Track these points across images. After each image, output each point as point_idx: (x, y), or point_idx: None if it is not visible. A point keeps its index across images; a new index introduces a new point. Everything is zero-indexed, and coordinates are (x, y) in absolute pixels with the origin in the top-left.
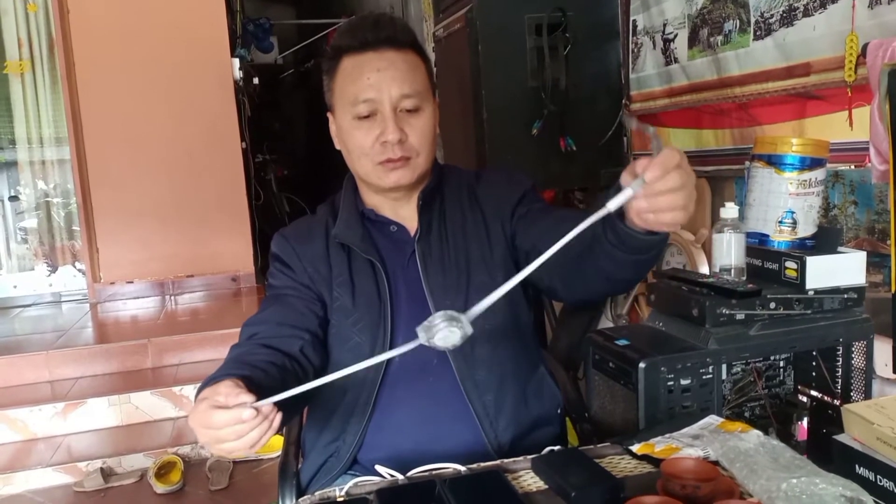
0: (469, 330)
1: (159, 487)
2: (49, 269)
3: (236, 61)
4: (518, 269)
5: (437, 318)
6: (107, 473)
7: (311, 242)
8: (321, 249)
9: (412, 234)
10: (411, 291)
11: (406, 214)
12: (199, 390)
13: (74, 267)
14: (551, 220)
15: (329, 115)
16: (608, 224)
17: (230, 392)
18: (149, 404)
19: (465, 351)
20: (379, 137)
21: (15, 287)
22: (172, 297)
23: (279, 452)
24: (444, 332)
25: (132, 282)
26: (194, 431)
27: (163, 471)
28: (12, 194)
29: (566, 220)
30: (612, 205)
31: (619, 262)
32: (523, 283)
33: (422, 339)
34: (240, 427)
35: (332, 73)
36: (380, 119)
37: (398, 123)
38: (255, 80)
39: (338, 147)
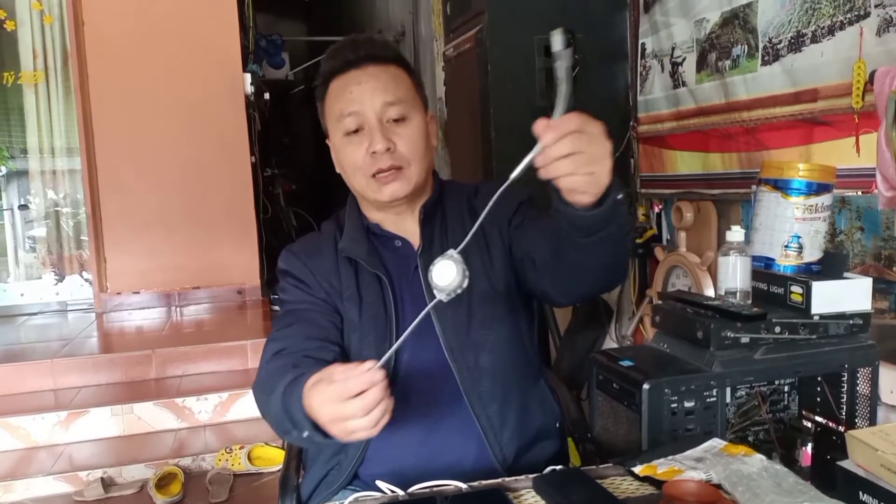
0: (460, 262)
1: (159, 499)
2: (56, 278)
3: (248, 76)
4: (517, 278)
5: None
6: (107, 483)
7: (321, 257)
8: (332, 264)
9: (415, 248)
10: (416, 305)
11: (409, 229)
12: (266, 406)
13: (81, 276)
14: (539, 228)
15: (327, 141)
16: (558, 211)
17: (346, 368)
18: (151, 415)
19: (468, 362)
20: (368, 149)
21: (22, 295)
22: (178, 309)
23: (279, 466)
24: (439, 264)
25: (138, 292)
26: (317, 413)
27: (163, 482)
28: (22, 203)
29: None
30: (514, 173)
31: (583, 247)
32: (522, 291)
33: (435, 282)
34: (369, 400)
35: (322, 98)
36: (367, 131)
37: (384, 133)
38: (266, 96)
39: (338, 171)
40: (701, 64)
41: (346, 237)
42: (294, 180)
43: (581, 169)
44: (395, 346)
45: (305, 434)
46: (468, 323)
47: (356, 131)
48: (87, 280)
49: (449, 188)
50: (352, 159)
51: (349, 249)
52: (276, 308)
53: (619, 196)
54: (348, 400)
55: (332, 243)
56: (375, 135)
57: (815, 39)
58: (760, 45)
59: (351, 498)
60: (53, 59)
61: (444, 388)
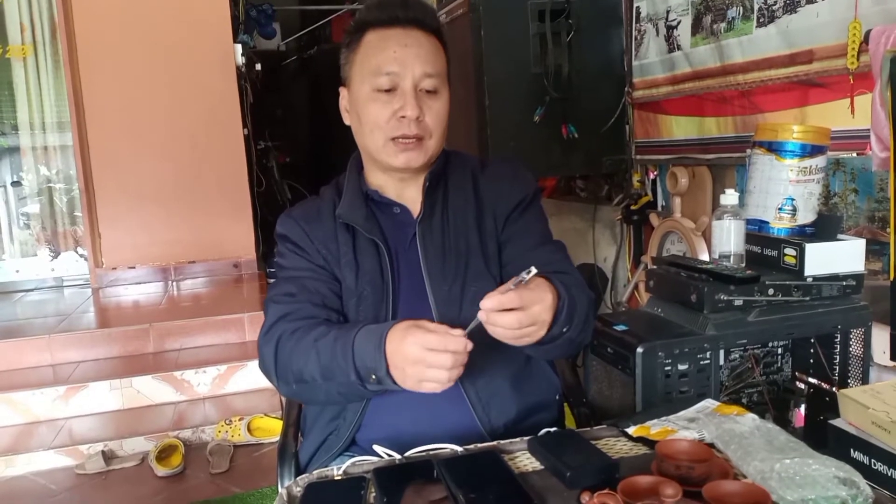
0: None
1: (160, 470)
2: (51, 254)
3: (238, 47)
4: (502, 269)
5: None
6: (108, 456)
7: (320, 223)
8: (330, 230)
9: (415, 216)
10: (411, 273)
11: (410, 196)
12: (293, 354)
13: (76, 252)
14: (522, 250)
15: (342, 89)
16: None
17: (439, 327)
18: (150, 388)
19: None
20: (397, 112)
21: (17, 272)
22: (174, 283)
23: (279, 437)
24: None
25: (134, 267)
26: (404, 351)
27: (164, 454)
28: (15, 180)
29: (527, 259)
30: (465, 331)
31: (536, 351)
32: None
33: None
34: (456, 359)
35: (353, 46)
36: (399, 94)
37: (418, 101)
38: (258, 67)
39: (347, 122)
40: (696, 27)
41: (345, 203)
42: (288, 153)
43: (512, 338)
44: (475, 322)
45: (370, 375)
46: (461, 298)
47: (388, 91)
48: (82, 256)
49: (454, 159)
50: (375, 117)
51: (347, 215)
52: (273, 270)
53: (564, 329)
54: (441, 352)
55: (330, 208)
56: (409, 100)
57: (810, 0)
58: (756, 7)
59: (349, 462)
60: (41, 32)
61: None
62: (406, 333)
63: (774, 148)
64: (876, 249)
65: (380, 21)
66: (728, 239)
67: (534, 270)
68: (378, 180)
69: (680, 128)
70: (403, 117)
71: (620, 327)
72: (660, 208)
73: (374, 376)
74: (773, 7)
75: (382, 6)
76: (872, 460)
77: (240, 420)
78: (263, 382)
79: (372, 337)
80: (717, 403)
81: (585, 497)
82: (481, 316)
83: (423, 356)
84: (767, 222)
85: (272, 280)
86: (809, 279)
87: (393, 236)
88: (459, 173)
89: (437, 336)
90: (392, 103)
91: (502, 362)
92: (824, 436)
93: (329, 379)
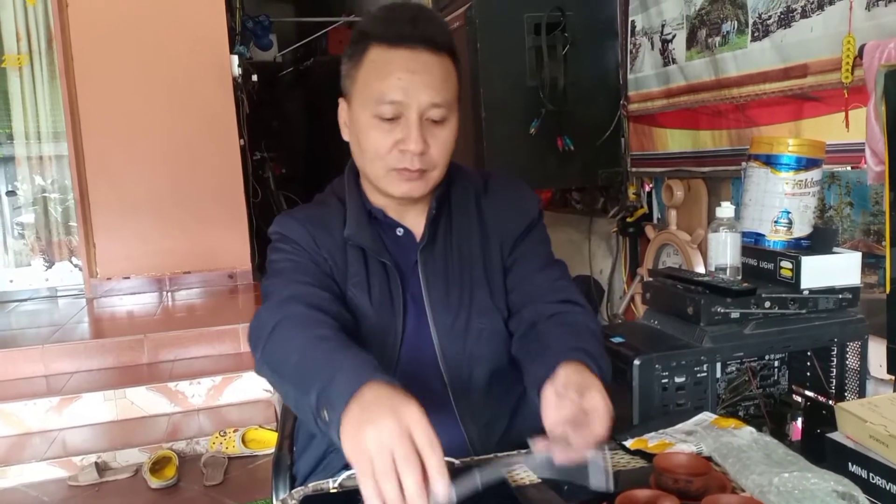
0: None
1: (154, 482)
2: (46, 264)
3: (235, 58)
4: (508, 295)
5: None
6: (101, 468)
7: (329, 233)
8: (339, 243)
9: (417, 239)
10: (414, 299)
11: (412, 219)
12: (326, 391)
13: (71, 262)
14: (526, 274)
15: (342, 100)
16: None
17: (432, 436)
18: (144, 400)
19: (462, 375)
20: (398, 144)
21: (11, 282)
22: (169, 294)
23: (273, 449)
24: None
25: (129, 277)
26: (375, 415)
27: (157, 466)
28: (9, 189)
29: (531, 284)
30: (596, 481)
31: None
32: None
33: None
34: (418, 490)
35: (355, 60)
36: (403, 124)
37: (422, 134)
38: (254, 78)
39: (346, 138)
40: (691, 41)
41: (351, 222)
42: (284, 164)
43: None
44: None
45: (326, 404)
46: (465, 333)
47: (391, 119)
48: (76, 266)
49: (457, 176)
50: (375, 146)
51: (355, 237)
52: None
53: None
54: (411, 465)
55: (339, 223)
56: (413, 133)
57: (804, 15)
58: (750, 21)
59: (344, 475)
60: (38, 42)
61: (438, 404)
62: (411, 404)
63: (770, 161)
64: (872, 263)
65: (385, 38)
66: (724, 251)
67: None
68: (379, 202)
69: (675, 141)
70: (406, 150)
71: (617, 339)
72: (655, 221)
73: (326, 411)
74: (768, 21)
75: (389, 20)
76: (870, 474)
77: (234, 432)
78: (258, 394)
79: (364, 371)
80: (715, 416)
81: None
82: (553, 433)
83: (403, 450)
84: (763, 235)
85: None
86: (806, 292)
87: (399, 258)
88: (462, 194)
89: (437, 459)
90: (394, 133)
91: (504, 400)
92: (822, 449)
93: (295, 383)
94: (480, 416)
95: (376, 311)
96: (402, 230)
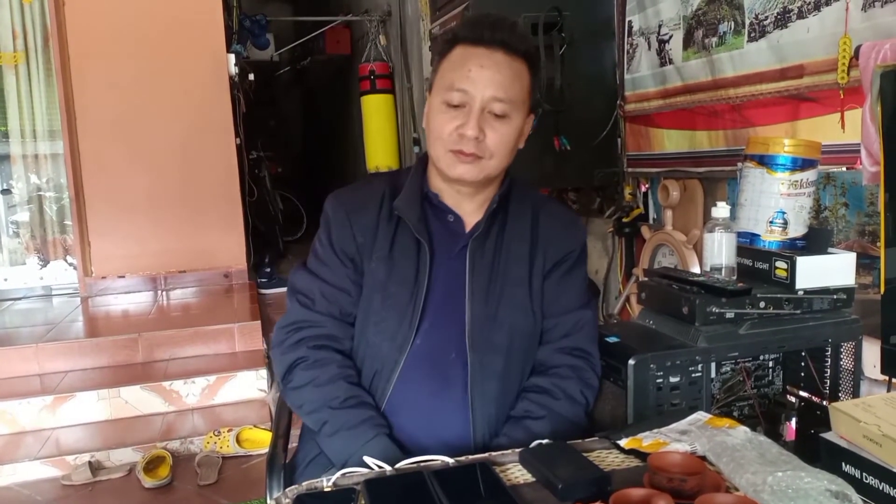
0: None
1: (148, 482)
2: (40, 262)
3: (232, 57)
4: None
5: None
6: (95, 467)
7: (365, 212)
8: (372, 221)
9: (468, 228)
10: (449, 283)
11: (466, 209)
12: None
13: (66, 261)
14: (558, 312)
15: (427, 93)
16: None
17: None
18: (138, 399)
19: (482, 360)
20: (458, 128)
21: (6, 280)
22: (164, 293)
23: (268, 449)
24: None
25: (124, 276)
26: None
27: (151, 465)
28: (5, 188)
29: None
30: None
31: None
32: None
33: None
34: None
35: (442, 56)
36: (465, 111)
37: (480, 122)
38: (251, 77)
39: (423, 126)
40: (688, 41)
41: (403, 197)
42: (280, 163)
43: None
44: None
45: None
46: (493, 323)
47: (456, 106)
48: (71, 264)
49: (517, 188)
50: (439, 128)
51: (403, 209)
52: (263, 280)
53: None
54: None
55: (378, 200)
56: (472, 120)
57: (801, 15)
58: (747, 22)
59: (339, 473)
60: (34, 40)
61: (452, 384)
62: None
63: (766, 161)
64: (866, 263)
65: (468, 38)
66: (719, 251)
67: None
68: (439, 186)
69: (671, 141)
70: (463, 135)
71: (612, 339)
72: (651, 221)
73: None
74: (764, 22)
75: (474, 24)
76: (864, 474)
77: (228, 431)
78: (253, 394)
79: (355, 444)
80: (709, 416)
81: None
82: None
83: None
84: (758, 235)
85: (265, 291)
86: (800, 292)
87: (440, 242)
88: (521, 200)
89: None
90: (457, 118)
91: (514, 392)
92: (816, 449)
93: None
94: (489, 405)
95: (394, 284)
96: (453, 217)
